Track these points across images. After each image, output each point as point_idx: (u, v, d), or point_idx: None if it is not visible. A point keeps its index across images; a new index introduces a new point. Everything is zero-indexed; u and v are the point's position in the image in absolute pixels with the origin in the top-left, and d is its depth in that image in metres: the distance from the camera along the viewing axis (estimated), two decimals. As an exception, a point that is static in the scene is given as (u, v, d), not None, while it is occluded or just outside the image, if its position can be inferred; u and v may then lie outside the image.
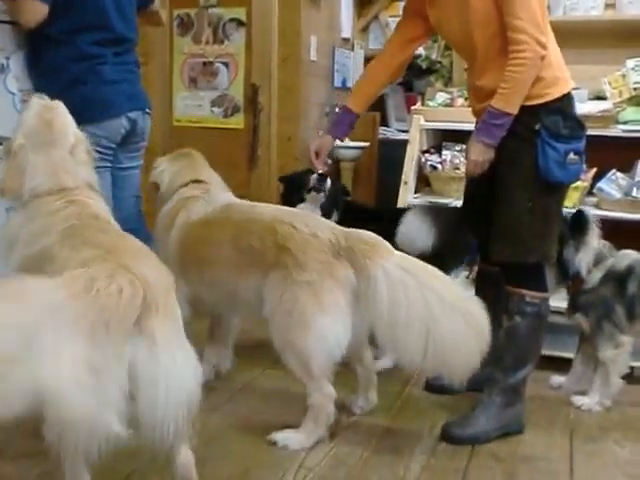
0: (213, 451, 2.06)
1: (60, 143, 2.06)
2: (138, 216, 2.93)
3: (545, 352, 3.10)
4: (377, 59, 2.69)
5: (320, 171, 2.85)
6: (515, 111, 2.22)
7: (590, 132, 2.98)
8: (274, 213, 2.42)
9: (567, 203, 3.00)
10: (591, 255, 2.64)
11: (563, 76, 2.33)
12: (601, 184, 3.14)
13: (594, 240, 2.63)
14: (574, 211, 2.70)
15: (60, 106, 2.14)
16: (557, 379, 2.85)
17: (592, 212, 2.72)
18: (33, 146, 2.04)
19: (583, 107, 3.13)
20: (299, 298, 2.21)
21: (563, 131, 2.24)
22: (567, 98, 2.32)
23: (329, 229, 2.30)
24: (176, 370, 1.56)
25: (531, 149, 2.25)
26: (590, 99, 3.31)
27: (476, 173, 2.34)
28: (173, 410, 1.55)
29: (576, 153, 2.26)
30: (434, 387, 2.77)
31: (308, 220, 2.35)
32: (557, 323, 3.02)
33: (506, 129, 2.24)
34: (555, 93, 2.28)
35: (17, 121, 2.15)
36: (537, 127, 2.25)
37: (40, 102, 2.12)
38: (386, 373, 2.95)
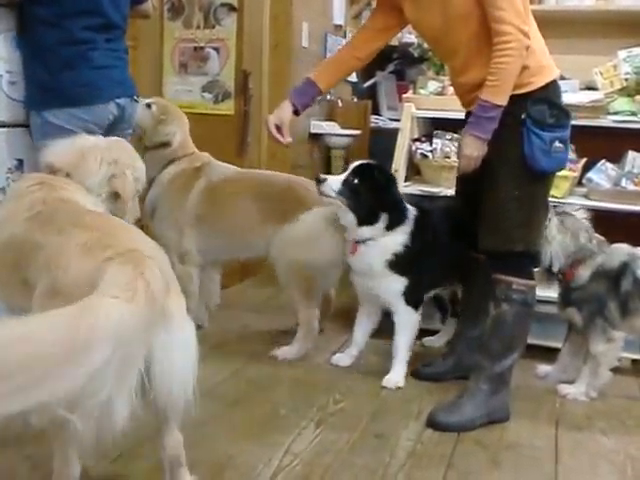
0: (198, 436, 2.06)
1: (116, 153, 2.11)
2: None
3: (532, 341, 3.12)
4: (348, 44, 2.72)
5: (287, 143, 2.66)
6: (505, 102, 2.21)
7: (580, 122, 3.01)
8: (287, 177, 3.06)
9: (557, 193, 3.02)
10: (557, 249, 2.62)
11: (548, 64, 2.32)
12: (591, 174, 3.14)
13: (555, 233, 2.61)
14: (563, 202, 2.69)
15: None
16: (543, 368, 2.86)
17: (579, 203, 2.71)
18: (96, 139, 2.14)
19: (574, 97, 3.14)
20: (310, 231, 2.81)
21: (549, 120, 2.25)
22: (553, 86, 2.32)
23: None
24: (189, 342, 1.59)
25: (517, 138, 2.25)
26: (581, 89, 3.31)
27: (470, 169, 2.32)
28: (187, 380, 1.57)
29: (561, 141, 2.26)
30: (421, 374, 2.79)
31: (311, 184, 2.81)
32: (544, 312, 3.04)
33: (497, 121, 2.23)
34: (540, 81, 2.27)
35: None
36: (523, 116, 2.25)
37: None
38: (373, 359, 2.97)
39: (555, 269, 2.65)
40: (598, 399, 2.66)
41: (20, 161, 2.64)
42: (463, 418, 2.38)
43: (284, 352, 2.91)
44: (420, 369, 2.80)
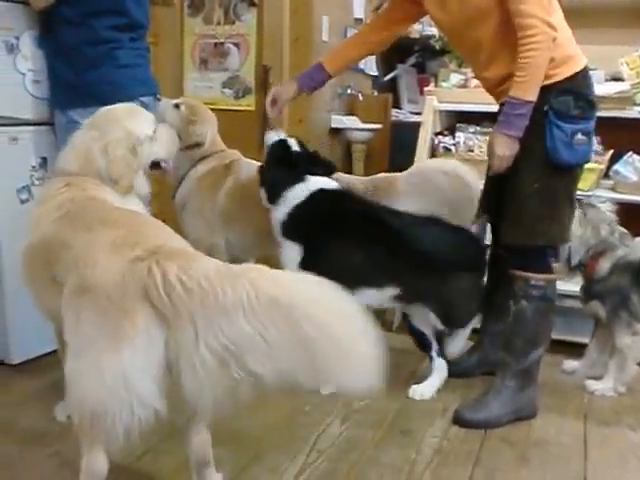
0: (224, 432, 2.06)
1: (105, 130, 2.01)
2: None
3: (558, 336, 3.09)
4: (362, 30, 2.76)
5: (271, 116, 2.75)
6: (534, 98, 2.16)
7: (606, 114, 2.96)
8: None
9: (583, 186, 2.97)
10: (576, 241, 2.59)
11: (575, 54, 2.27)
12: (617, 166, 3.09)
13: (576, 227, 2.56)
14: (589, 195, 2.65)
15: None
16: (570, 364, 2.83)
17: (605, 195, 2.66)
18: (88, 127, 2.04)
19: (600, 88, 3.07)
20: None
21: (572, 111, 2.20)
22: (581, 76, 2.25)
23: (360, 182, 2.99)
24: None
25: (539, 131, 2.21)
26: (607, 80, 3.26)
27: (502, 168, 2.26)
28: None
29: (584, 134, 2.22)
30: (448, 370, 2.75)
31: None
32: (570, 307, 3.00)
33: (528, 118, 2.17)
34: (565, 72, 2.22)
35: None
36: (545, 108, 2.20)
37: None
38: (399, 355, 2.95)
39: (574, 262, 2.62)
40: (626, 394, 2.63)
41: (44, 159, 2.66)
42: (490, 415, 2.36)
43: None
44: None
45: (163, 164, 2.20)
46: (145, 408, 1.49)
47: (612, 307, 2.61)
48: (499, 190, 2.40)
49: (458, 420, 2.38)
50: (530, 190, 2.26)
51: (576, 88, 2.23)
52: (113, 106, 2.08)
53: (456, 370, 2.71)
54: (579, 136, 2.20)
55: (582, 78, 2.26)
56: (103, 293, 1.51)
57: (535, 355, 2.40)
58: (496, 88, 2.35)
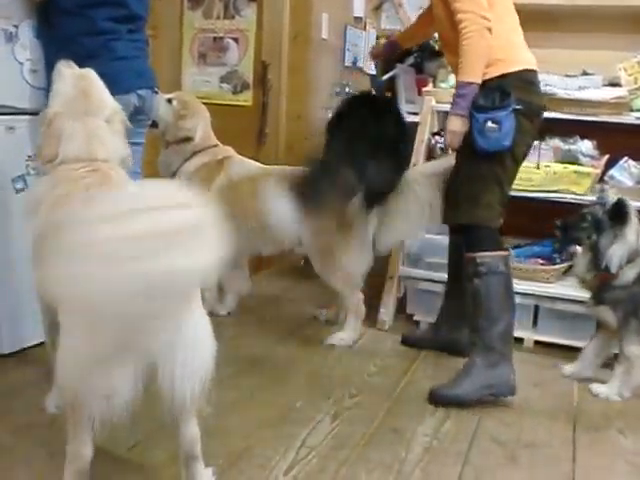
0: (215, 427, 2.06)
1: (97, 112, 2.03)
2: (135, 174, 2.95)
3: (550, 339, 3.11)
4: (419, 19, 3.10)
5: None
6: (474, 79, 2.41)
7: (603, 119, 2.98)
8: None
9: (578, 190, 3.00)
10: (625, 249, 2.57)
11: (506, 58, 2.46)
12: (613, 171, 3.11)
13: (631, 234, 2.56)
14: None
15: (92, 74, 2.12)
16: (569, 368, 2.81)
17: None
18: (70, 114, 2.01)
19: (597, 93, 3.10)
20: (340, 231, 2.89)
21: (480, 101, 2.41)
22: (512, 77, 2.45)
23: None
24: (202, 339, 1.59)
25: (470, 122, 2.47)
26: (604, 85, 3.27)
27: (455, 144, 2.52)
28: (197, 379, 1.57)
29: (494, 122, 2.41)
30: (409, 340, 3.05)
31: None
32: (564, 311, 3.02)
33: (471, 98, 2.41)
34: (493, 72, 2.44)
35: (52, 90, 2.11)
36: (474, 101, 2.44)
37: (73, 71, 2.09)
38: (391, 354, 2.96)
39: (614, 270, 2.57)
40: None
41: (40, 149, 2.64)
42: (461, 391, 2.50)
43: (339, 339, 3.01)
44: (408, 336, 3.10)
45: None
46: (127, 392, 1.49)
47: (624, 314, 2.59)
48: None
49: (433, 398, 2.52)
50: (462, 174, 2.56)
51: (503, 87, 2.42)
52: None
53: (411, 341, 3.06)
54: (489, 124, 2.41)
55: (514, 79, 2.45)
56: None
57: (496, 330, 2.51)
58: None
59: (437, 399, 2.51)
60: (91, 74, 2.11)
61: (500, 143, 2.43)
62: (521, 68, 2.48)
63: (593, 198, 2.98)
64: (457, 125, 2.47)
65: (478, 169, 2.50)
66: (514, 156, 2.52)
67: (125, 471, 1.97)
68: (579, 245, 2.71)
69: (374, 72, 4.77)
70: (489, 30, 2.38)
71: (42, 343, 2.51)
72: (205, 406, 1.69)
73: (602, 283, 2.63)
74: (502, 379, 2.51)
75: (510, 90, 2.41)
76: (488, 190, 2.52)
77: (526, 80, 2.50)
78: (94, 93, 2.07)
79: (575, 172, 3.03)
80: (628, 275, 2.59)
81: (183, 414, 1.70)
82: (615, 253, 2.56)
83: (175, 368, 1.54)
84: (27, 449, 2.06)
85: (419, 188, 2.90)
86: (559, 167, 3.03)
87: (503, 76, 2.45)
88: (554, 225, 2.71)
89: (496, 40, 2.42)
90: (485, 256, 2.52)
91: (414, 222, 2.96)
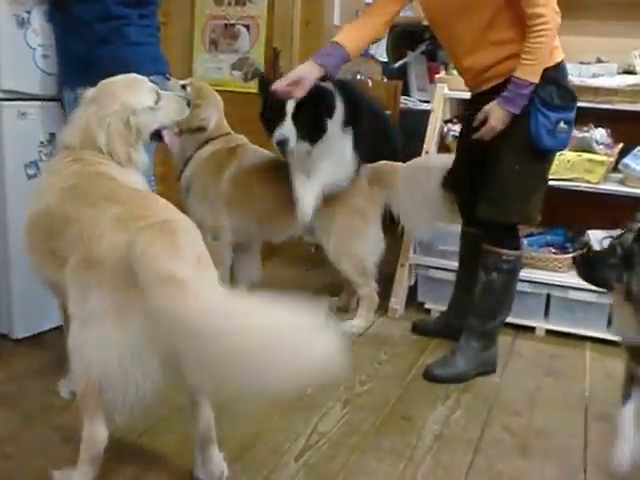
0: (227, 413, 2.06)
1: (102, 104, 1.98)
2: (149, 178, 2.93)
3: (560, 328, 3.10)
4: (369, 10, 2.68)
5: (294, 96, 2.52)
6: (537, 80, 2.30)
7: (618, 106, 2.96)
8: None
9: (592, 179, 2.98)
10: None
11: (558, 44, 2.40)
12: (627, 160, 3.07)
13: None
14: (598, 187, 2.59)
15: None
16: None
17: (614, 189, 2.59)
18: (88, 102, 2.01)
19: (612, 81, 3.07)
20: (353, 219, 2.94)
21: (556, 101, 2.34)
22: (560, 67, 2.40)
23: (364, 168, 2.97)
24: None
25: (524, 117, 2.35)
26: (619, 73, 3.24)
27: (488, 138, 2.42)
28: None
29: (566, 122, 2.38)
30: (420, 328, 3.07)
31: None
32: (574, 300, 3.00)
33: (528, 98, 2.32)
34: (551, 62, 2.34)
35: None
36: (532, 96, 2.33)
37: None
38: (402, 342, 2.96)
39: None
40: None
41: (53, 135, 2.64)
42: (456, 371, 2.59)
43: (351, 326, 3.01)
44: (417, 322, 3.12)
45: (165, 132, 2.15)
46: (149, 382, 1.50)
47: None
48: (469, 170, 2.60)
49: (428, 376, 2.59)
50: (510, 171, 2.42)
51: (558, 78, 2.37)
52: (112, 79, 2.05)
53: (422, 329, 3.06)
54: (562, 124, 2.36)
55: (561, 70, 2.41)
56: (109, 266, 1.52)
57: (499, 320, 2.66)
58: (479, 75, 2.48)
59: (433, 378, 2.58)
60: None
61: (566, 143, 2.44)
62: (563, 55, 2.44)
63: (607, 187, 2.96)
64: (504, 122, 2.36)
65: (535, 167, 2.44)
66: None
67: (136, 457, 1.98)
68: (607, 290, 1.97)
69: (386, 59, 4.77)
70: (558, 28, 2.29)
71: (56, 328, 2.53)
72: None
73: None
74: (490, 360, 2.67)
75: (567, 84, 2.38)
76: (539, 189, 2.49)
77: (566, 69, 2.46)
78: (110, 87, 2.03)
79: (589, 160, 3.00)
80: None
81: (200, 397, 1.71)
82: None
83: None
84: (41, 434, 2.07)
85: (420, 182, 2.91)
86: (573, 155, 3.01)
87: (556, 66, 2.38)
88: (572, 260, 2.07)
89: None
90: (511, 254, 2.54)
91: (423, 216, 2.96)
